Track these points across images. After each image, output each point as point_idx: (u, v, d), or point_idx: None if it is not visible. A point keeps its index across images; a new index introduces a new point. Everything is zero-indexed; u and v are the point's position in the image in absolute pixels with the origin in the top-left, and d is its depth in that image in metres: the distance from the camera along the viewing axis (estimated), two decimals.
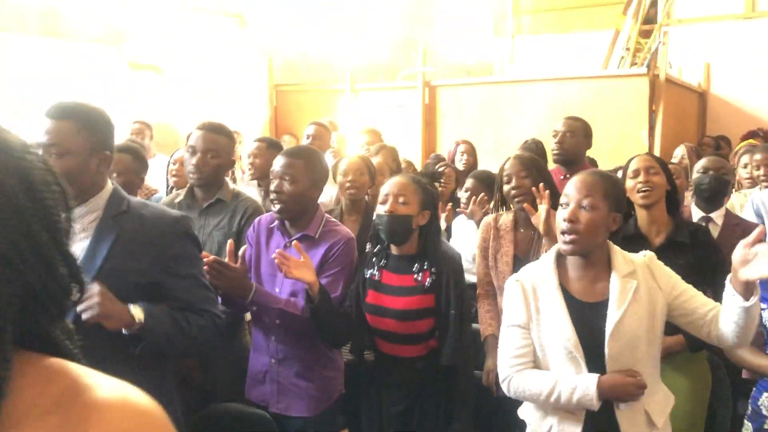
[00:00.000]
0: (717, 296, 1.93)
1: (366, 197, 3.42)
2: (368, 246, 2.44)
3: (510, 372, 1.96)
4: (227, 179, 3.01)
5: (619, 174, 2.75)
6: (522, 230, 2.81)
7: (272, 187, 2.38)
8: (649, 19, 7.14)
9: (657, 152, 5.62)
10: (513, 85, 6.40)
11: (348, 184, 3.28)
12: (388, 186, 2.35)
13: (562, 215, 1.92)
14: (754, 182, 4.11)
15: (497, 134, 6.18)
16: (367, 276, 2.38)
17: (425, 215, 2.34)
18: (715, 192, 3.27)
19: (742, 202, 4.05)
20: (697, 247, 2.58)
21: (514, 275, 2.10)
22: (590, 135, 3.76)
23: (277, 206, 2.35)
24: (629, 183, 2.63)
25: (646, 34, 6.82)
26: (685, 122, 7.04)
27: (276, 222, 2.45)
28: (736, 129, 7.14)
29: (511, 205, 2.85)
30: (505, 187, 2.81)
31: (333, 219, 2.60)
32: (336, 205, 3.48)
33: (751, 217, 3.50)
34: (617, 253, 1.97)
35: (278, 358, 2.38)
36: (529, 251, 2.73)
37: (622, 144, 5.65)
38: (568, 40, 9.00)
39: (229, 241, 2.26)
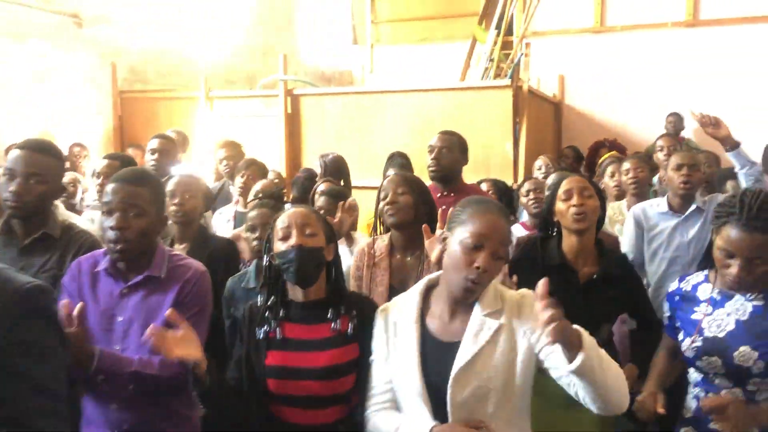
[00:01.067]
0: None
1: (202, 221, 3.04)
2: (259, 299, 2.02)
3: (368, 412, 1.82)
4: (57, 208, 2.52)
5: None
6: (398, 256, 2.55)
7: (110, 222, 1.95)
8: (509, 33, 7.24)
9: (521, 164, 5.62)
10: (377, 95, 6.20)
11: (174, 207, 2.86)
12: (288, 217, 1.92)
13: None
14: (621, 193, 4.15)
15: (361, 145, 5.94)
16: (260, 336, 1.90)
17: (330, 250, 1.98)
18: None
19: (610, 214, 4.05)
20: (628, 278, 2.49)
21: (384, 304, 1.91)
22: (466, 150, 3.59)
23: (119, 246, 1.93)
24: (560, 205, 2.45)
25: (504, 47, 6.89)
26: (544, 133, 7.18)
27: (104, 264, 2.01)
28: (588, 139, 7.39)
29: (386, 226, 2.59)
30: (380, 204, 2.55)
31: (177, 252, 2.20)
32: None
33: (629, 231, 3.47)
34: (490, 288, 1.77)
35: (123, 430, 1.96)
36: (407, 280, 2.47)
37: (487, 157, 5.60)
38: (426, 51, 9.01)
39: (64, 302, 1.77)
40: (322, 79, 8.85)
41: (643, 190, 3.92)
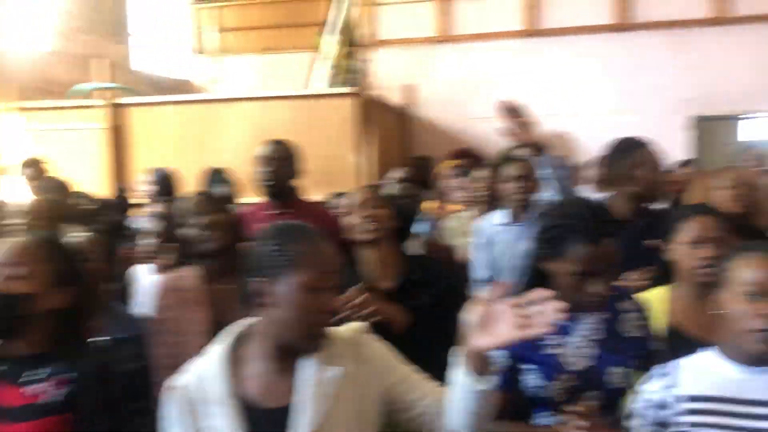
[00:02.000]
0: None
1: None
2: None
3: None
4: None
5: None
6: (214, 287, 2.18)
7: None
8: (353, 42, 7.05)
9: (366, 174, 5.41)
10: (214, 104, 5.77)
11: None
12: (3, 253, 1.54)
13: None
14: (468, 203, 4.03)
15: (201, 158, 5.47)
16: None
17: (62, 296, 1.57)
18: None
19: (455, 225, 3.90)
20: (435, 281, 2.30)
21: (175, 380, 1.46)
22: (300, 161, 3.28)
23: None
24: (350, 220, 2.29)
25: (351, 56, 6.68)
26: (392, 143, 7.05)
27: None
28: (438, 149, 7.33)
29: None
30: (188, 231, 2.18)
31: None
32: None
33: (477, 244, 3.35)
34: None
35: None
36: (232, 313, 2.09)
37: (332, 168, 5.34)
38: (272, 61, 8.64)
39: None
40: (161, 90, 8.22)
41: (491, 201, 3.81)
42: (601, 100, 7.37)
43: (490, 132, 7.38)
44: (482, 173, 3.82)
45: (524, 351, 1.77)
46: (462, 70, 7.69)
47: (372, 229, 2.21)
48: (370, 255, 2.26)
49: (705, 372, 1.65)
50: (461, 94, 7.65)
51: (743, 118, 7.54)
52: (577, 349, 1.79)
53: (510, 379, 1.80)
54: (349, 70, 5.33)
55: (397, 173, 4.62)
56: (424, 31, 7.78)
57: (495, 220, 3.35)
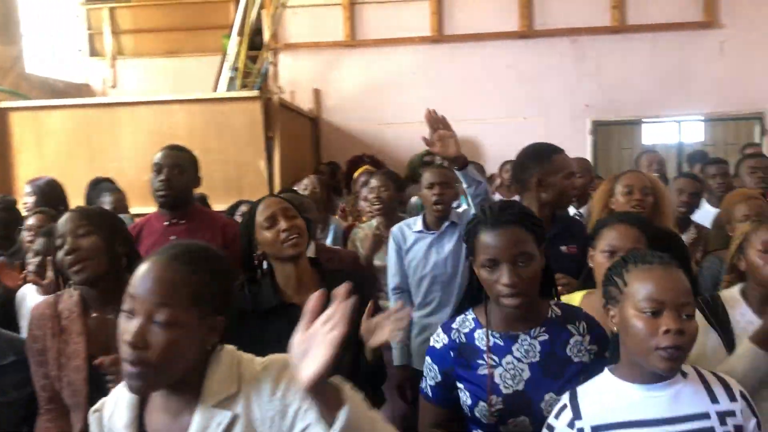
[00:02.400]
0: None
1: None
2: None
3: None
4: None
5: None
6: (95, 314, 1.91)
7: None
8: (259, 45, 6.82)
9: (276, 182, 5.21)
10: (109, 109, 5.41)
11: None
12: None
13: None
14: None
15: (95, 165, 5.10)
16: None
17: None
18: None
19: (363, 235, 3.77)
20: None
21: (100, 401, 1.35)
22: (199, 169, 3.05)
23: None
24: (265, 234, 2.05)
25: (257, 60, 6.46)
26: (302, 149, 6.87)
27: None
28: (348, 155, 7.22)
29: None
30: (59, 254, 1.90)
31: None
32: None
33: (391, 253, 3.25)
34: (223, 364, 1.27)
35: None
36: (111, 345, 1.86)
37: (239, 175, 5.11)
38: (175, 64, 8.25)
39: None
40: (57, 94, 7.68)
41: (388, 209, 3.70)
42: (506, 105, 7.46)
43: (399, 138, 7.37)
44: (380, 180, 3.71)
45: (457, 369, 1.72)
46: (370, 74, 7.60)
47: (295, 243, 2.02)
48: (290, 270, 2.06)
49: (604, 397, 1.52)
50: (370, 99, 7.56)
51: (641, 123, 7.82)
52: (509, 371, 1.69)
53: (443, 394, 1.75)
54: (255, 74, 5.11)
55: (309, 182, 4.43)
56: (331, 35, 7.64)
57: (413, 227, 3.25)
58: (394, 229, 3.28)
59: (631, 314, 1.45)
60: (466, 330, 1.76)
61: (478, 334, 1.75)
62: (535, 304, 1.73)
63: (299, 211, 2.13)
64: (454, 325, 1.79)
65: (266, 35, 5.52)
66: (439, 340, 1.78)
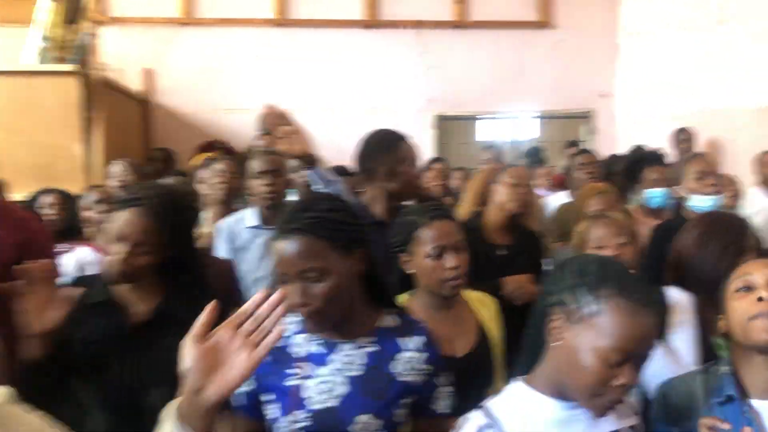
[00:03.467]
0: None
1: None
2: None
3: None
4: None
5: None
6: None
7: None
8: (77, 14, 6.07)
9: (96, 170, 4.65)
10: None
11: None
12: None
13: None
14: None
15: None
16: None
17: None
18: None
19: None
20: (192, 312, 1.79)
21: None
22: None
23: None
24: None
25: (74, 31, 5.74)
26: (129, 134, 6.25)
27: None
28: (184, 141, 6.69)
29: None
30: None
31: None
32: None
33: (220, 251, 2.89)
34: None
35: None
36: None
37: (50, 160, 4.50)
38: None
39: None
40: None
41: (229, 198, 3.37)
42: (352, 95, 7.29)
43: (239, 125, 6.95)
44: (220, 167, 3.36)
45: (267, 377, 1.47)
46: (208, 56, 7.09)
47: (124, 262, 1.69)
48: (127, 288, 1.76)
49: (522, 408, 1.29)
50: (207, 83, 7.07)
51: (481, 119, 7.98)
52: (324, 384, 1.47)
53: (255, 404, 1.52)
54: (71, 47, 4.50)
55: (120, 167, 3.90)
56: (166, 10, 7.04)
57: (246, 222, 2.93)
58: (221, 224, 2.95)
59: (590, 351, 1.17)
60: (285, 333, 1.51)
61: (298, 339, 1.51)
62: (357, 314, 1.52)
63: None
64: None
65: (87, 5, 4.88)
66: None
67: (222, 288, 2.30)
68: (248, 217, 2.94)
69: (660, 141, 6.20)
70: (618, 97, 7.56)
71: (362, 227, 1.52)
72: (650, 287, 1.31)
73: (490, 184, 2.83)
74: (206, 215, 3.44)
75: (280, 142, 2.53)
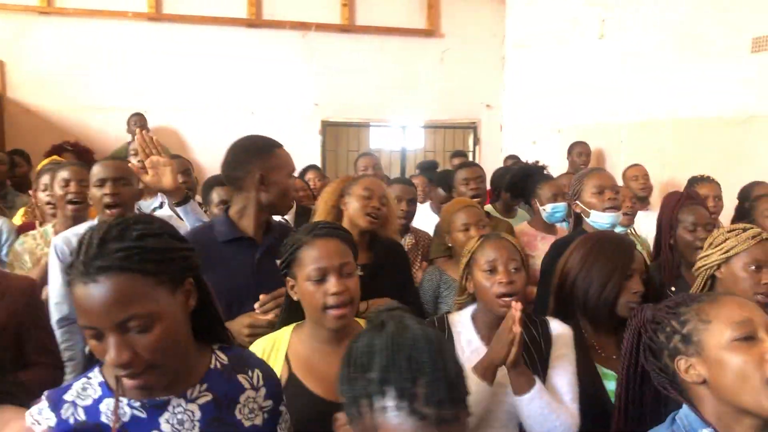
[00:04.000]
0: None
1: None
2: None
3: None
4: None
5: None
6: None
7: None
8: None
9: None
10: None
11: None
12: None
13: None
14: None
15: None
16: None
17: None
18: None
19: (29, 246, 2.97)
20: None
21: None
22: None
23: None
24: None
25: None
26: None
27: None
28: (40, 141, 6.05)
29: None
30: None
31: None
32: None
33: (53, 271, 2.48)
34: None
35: None
36: None
37: None
38: None
39: None
40: None
41: (76, 211, 2.93)
42: (232, 97, 6.89)
43: (106, 124, 6.39)
44: (64, 174, 2.90)
45: None
46: (71, 49, 6.47)
47: None
48: None
49: None
50: (71, 78, 6.46)
51: (369, 126, 7.79)
52: None
53: None
54: None
55: None
56: None
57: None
58: (58, 240, 2.53)
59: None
60: (88, 402, 1.19)
61: (107, 404, 1.19)
62: (186, 359, 1.23)
63: None
64: (68, 396, 1.20)
65: None
66: (40, 420, 1.17)
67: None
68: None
69: (545, 153, 6.24)
70: (504, 108, 7.59)
71: (189, 249, 1.22)
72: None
73: (343, 197, 2.59)
74: (47, 229, 2.99)
75: (149, 172, 2.22)
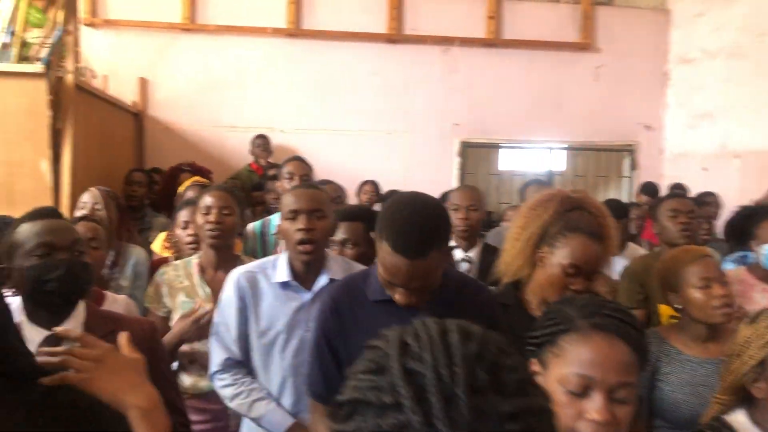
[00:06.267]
0: None
1: None
2: None
3: None
4: None
5: None
6: None
7: None
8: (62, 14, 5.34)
9: (66, 192, 3.87)
10: None
11: None
12: None
13: None
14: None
15: None
16: None
17: None
18: None
19: (169, 277, 2.64)
20: None
21: None
22: None
23: None
24: None
25: (51, 30, 4.99)
26: (118, 149, 5.49)
27: None
28: (177, 159, 5.92)
29: None
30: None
31: None
32: None
33: None
34: None
35: None
36: None
37: (11, 179, 3.74)
38: None
39: None
40: None
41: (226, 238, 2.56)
42: (368, 116, 6.54)
43: (240, 144, 6.19)
44: (217, 197, 2.53)
45: None
46: (210, 67, 6.35)
47: None
48: None
49: None
50: (208, 96, 6.33)
51: (511, 147, 7.20)
52: None
53: None
54: (43, 45, 3.75)
55: (87, 196, 3.15)
56: (165, 15, 6.32)
57: (271, 275, 2.16)
58: (238, 274, 2.16)
59: None
60: None
61: None
62: None
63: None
64: None
65: (73, 5, 4.12)
66: None
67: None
68: (274, 268, 2.14)
69: (717, 182, 5.42)
70: (667, 129, 6.79)
71: None
72: None
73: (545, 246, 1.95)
74: (190, 260, 2.65)
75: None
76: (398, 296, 1.58)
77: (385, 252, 1.52)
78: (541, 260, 1.84)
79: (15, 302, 2.37)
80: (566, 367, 1.15)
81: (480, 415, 0.58)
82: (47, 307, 1.61)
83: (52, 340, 1.56)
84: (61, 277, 1.57)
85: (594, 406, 1.10)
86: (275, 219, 3.16)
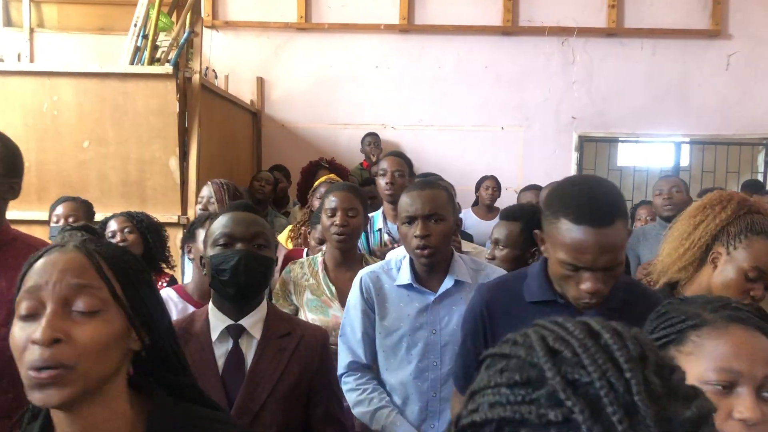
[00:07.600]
0: None
1: None
2: None
3: None
4: None
5: None
6: None
7: None
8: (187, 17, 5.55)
9: (192, 188, 3.99)
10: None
11: None
12: None
13: None
14: None
15: None
16: None
17: None
18: None
19: (296, 275, 2.64)
20: None
21: None
22: (14, 167, 1.84)
23: None
24: None
25: (179, 33, 5.19)
26: (237, 147, 5.65)
27: None
28: (296, 158, 6.03)
29: None
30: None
31: None
32: None
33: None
34: None
35: None
36: None
37: (142, 176, 3.90)
38: (103, 42, 6.91)
39: None
40: None
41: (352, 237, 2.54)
42: (482, 111, 6.39)
43: (354, 141, 6.21)
44: (346, 196, 2.51)
45: None
46: (325, 65, 6.42)
47: None
48: None
49: None
50: (322, 94, 6.40)
51: (632, 141, 6.86)
52: None
53: None
54: (171, 47, 3.89)
55: (206, 190, 3.22)
56: (282, 15, 6.44)
57: (395, 276, 2.11)
58: (364, 275, 2.13)
59: None
60: None
61: None
62: None
63: None
64: None
65: (198, 8, 4.27)
66: None
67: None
68: (398, 269, 2.09)
69: None
70: None
71: None
72: None
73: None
74: (315, 258, 2.65)
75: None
76: (585, 285, 1.41)
77: (565, 231, 1.38)
78: (713, 261, 1.69)
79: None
80: (704, 362, 1.03)
81: (665, 423, 0.53)
82: (225, 296, 1.65)
83: (233, 331, 1.64)
84: (233, 268, 1.59)
85: (743, 403, 0.99)
86: (377, 216, 3.12)
